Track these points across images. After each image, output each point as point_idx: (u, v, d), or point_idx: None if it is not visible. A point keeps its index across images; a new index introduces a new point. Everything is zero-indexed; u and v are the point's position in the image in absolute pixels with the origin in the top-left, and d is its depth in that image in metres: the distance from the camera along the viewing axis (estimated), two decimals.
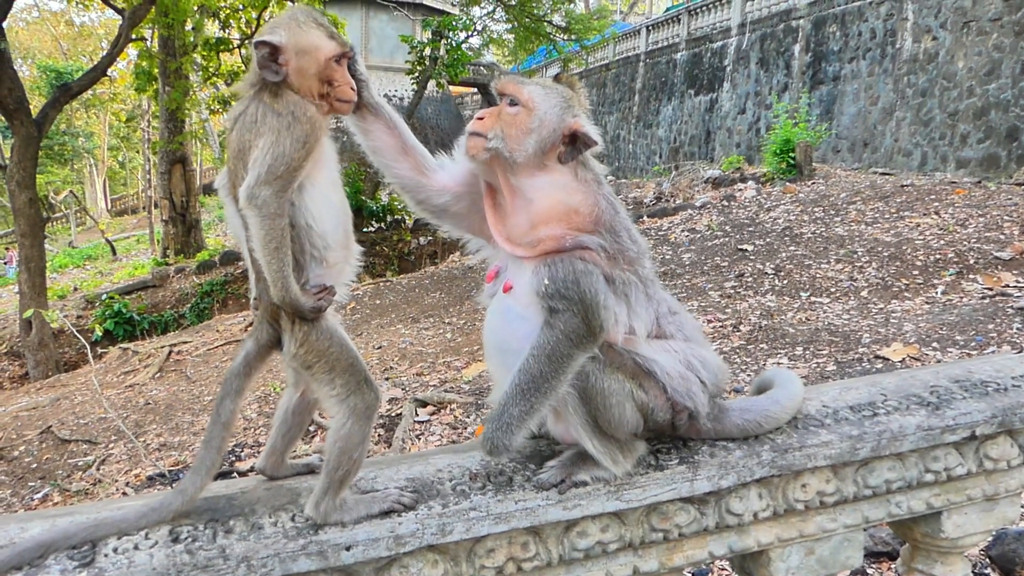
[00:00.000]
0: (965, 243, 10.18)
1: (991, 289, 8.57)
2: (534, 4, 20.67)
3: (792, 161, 16.98)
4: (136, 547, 1.82)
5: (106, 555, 1.79)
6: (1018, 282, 8.63)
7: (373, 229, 19.71)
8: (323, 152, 1.96)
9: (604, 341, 2.05)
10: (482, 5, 21.89)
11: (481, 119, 2.13)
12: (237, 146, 1.90)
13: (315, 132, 1.90)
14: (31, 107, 14.45)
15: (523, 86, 2.13)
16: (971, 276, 9.11)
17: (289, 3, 18.12)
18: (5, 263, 33.62)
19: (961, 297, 8.51)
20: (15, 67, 14.44)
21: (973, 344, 6.80)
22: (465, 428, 6.81)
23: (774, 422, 2.30)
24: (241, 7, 18.63)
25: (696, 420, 2.15)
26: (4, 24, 13.69)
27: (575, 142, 2.08)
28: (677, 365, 2.11)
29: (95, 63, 17.06)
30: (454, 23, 21.00)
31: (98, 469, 7.63)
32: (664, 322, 2.16)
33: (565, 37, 21.87)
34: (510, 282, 2.10)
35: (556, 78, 2.24)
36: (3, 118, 14.64)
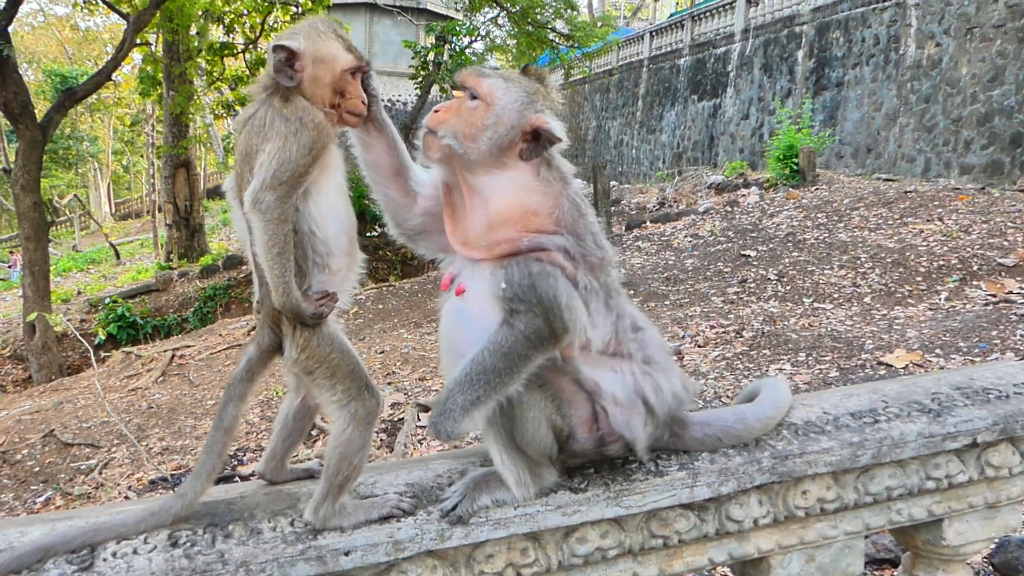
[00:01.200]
0: (969, 249, 10.16)
1: (995, 296, 8.55)
2: (537, 11, 20.67)
3: (795, 167, 16.99)
4: (135, 551, 1.82)
5: (105, 559, 1.79)
6: (1022, 289, 8.60)
7: (376, 233, 19.69)
8: (330, 159, 1.96)
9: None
10: (485, 11, 21.89)
11: (437, 112, 2.06)
12: (244, 149, 1.91)
13: (322, 139, 1.90)
14: (36, 111, 14.50)
15: (483, 79, 2.04)
16: (975, 283, 9.09)
17: (293, 8, 18.19)
18: (9, 267, 33.66)
19: (964, 304, 8.49)
20: (20, 71, 14.48)
21: (976, 351, 6.79)
22: (467, 433, 6.81)
23: (734, 439, 2.25)
24: (245, 12, 18.71)
25: (633, 451, 2.07)
26: (9, 28, 13.74)
27: (539, 139, 1.99)
28: (623, 390, 2.02)
29: (100, 68, 17.12)
30: (457, 28, 21.03)
31: (100, 473, 7.64)
32: (624, 338, 2.06)
33: (568, 44, 21.86)
34: (463, 285, 2.04)
35: (524, 70, 2.12)
36: (8, 122, 14.70)
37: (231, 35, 19.15)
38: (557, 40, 21.72)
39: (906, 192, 14.30)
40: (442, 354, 2.17)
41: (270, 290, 1.90)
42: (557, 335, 1.92)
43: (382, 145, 2.18)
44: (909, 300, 8.93)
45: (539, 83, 2.08)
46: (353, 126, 2.09)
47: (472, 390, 1.93)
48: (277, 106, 1.90)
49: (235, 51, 19.05)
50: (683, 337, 8.44)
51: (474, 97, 2.02)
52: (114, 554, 1.81)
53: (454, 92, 2.13)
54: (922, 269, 9.76)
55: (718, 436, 2.23)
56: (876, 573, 4.00)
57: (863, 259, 10.47)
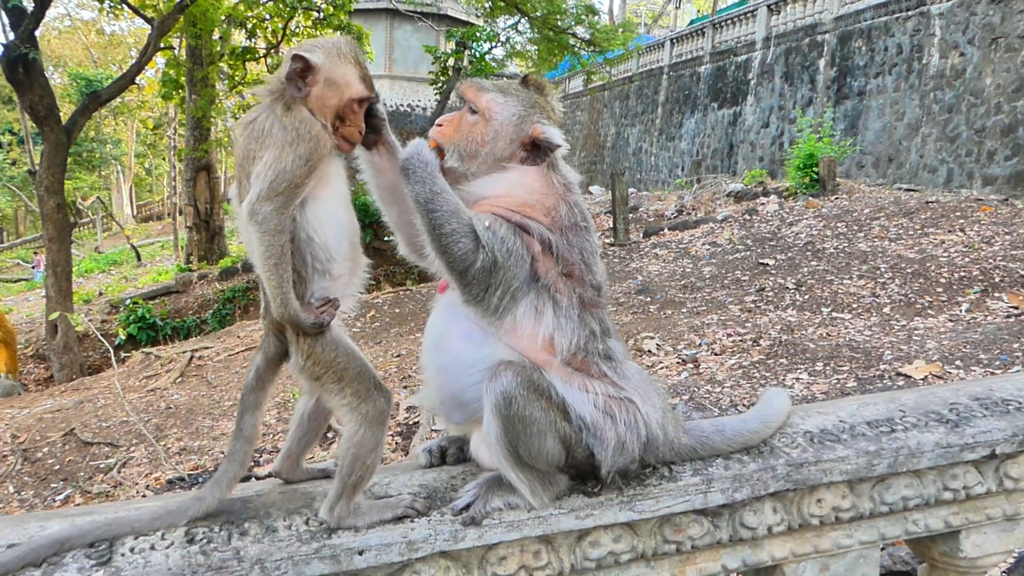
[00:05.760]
0: (990, 261, 10.05)
1: (1016, 308, 8.45)
2: (558, 17, 20.66)
3: (815, 176, 16.87)
4: (152, 547, 1.84)
5: (123, 555, 1.82)
6: None
7: (393, 238, 19.82)
8: (329, 169, 1.96)
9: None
10: (505, 17, 21.93)
11: (441, 127, 2.10)
12: (243, 154, 1.92)
13: (319, 151, 1.90)
14: (61, 114, 14.70)
15: (482, 93, 2.10)
16: (996, 294, 8.98)
17: (315, 13, 18.32)
18: (33, 267, 34.12)
19: (986, 315, 8.40)
20: (46, 74, 14.69)
21: (997, 363, 6.71)
22: None
23: (709, 450, 2.23)
24: (267, 17, 18.89)
25: (598, 471, 2.05)
26: (37, 32, 13.95)
27: (538, 147, 2.05)
28: (592, 409, 2.01)
29: (124, 71, 17.32)
30: (478, 34, 21.11)
31: (119, 472, 7.71)
32: (592, 356, 2.05)
33: (589, 50, 21.82)
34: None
35: (524, 81, 2.16)
36: (34, 125, 14.92)
37: (253, 40, 19.35)
38: (578, 46, 21.70)
39: (928, 202, 14.18)
40: (425, 347, 2.16)
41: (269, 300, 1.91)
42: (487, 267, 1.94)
43: (393, 169, 2.16)
44: (929, 311, 8.84)
45: (538, 93, 2.13)
46: (344, 151, 2.05)
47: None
48: (279, 113, 1.91)
49: (257, 55, 19.24)
50: (700, 345, 8.40)
51: (473, 111, 2.08)
52: (132, 549, 1.83)
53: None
54: (943, 280, 9.67)
55: (693, 447, 2.21)
56: None
57: (883, 269, 10.39)
